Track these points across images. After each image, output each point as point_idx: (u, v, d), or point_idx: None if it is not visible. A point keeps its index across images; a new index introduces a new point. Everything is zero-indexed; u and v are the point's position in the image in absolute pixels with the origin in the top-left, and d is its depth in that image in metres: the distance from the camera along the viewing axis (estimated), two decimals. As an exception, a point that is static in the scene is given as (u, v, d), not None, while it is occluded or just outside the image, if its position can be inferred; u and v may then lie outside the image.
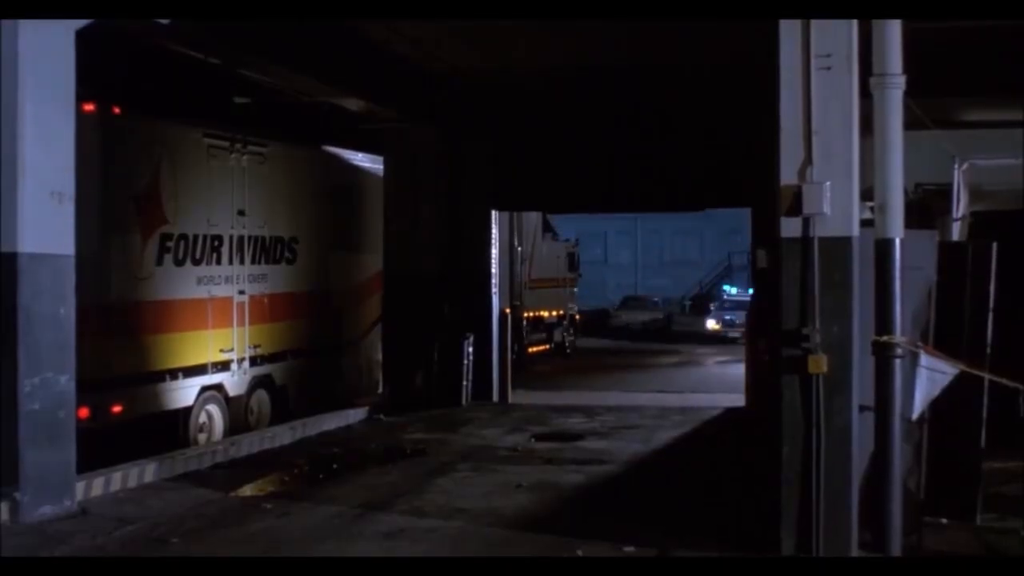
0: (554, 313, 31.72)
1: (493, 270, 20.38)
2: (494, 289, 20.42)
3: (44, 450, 10.26)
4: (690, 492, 11.72)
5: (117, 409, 13.23)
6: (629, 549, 9.16)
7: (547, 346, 31.09)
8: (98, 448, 11.92)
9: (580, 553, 9.03)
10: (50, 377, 10.37)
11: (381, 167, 19.70)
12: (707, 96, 17.03)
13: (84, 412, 11.90)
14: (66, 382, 10.53)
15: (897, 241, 8.80)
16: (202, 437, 14.80)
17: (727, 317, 40.81)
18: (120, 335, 13.47)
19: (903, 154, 8.88)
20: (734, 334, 36.61)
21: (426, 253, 19.65)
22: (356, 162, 19.57)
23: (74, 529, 9.94)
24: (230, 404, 15.46)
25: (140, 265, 13.83)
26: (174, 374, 14.32)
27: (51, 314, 10.40)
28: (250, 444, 14.35)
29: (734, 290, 48.77)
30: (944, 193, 13.96)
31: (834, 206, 8.69)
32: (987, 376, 9.03)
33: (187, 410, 14.57)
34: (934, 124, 12.23)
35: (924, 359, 8.91)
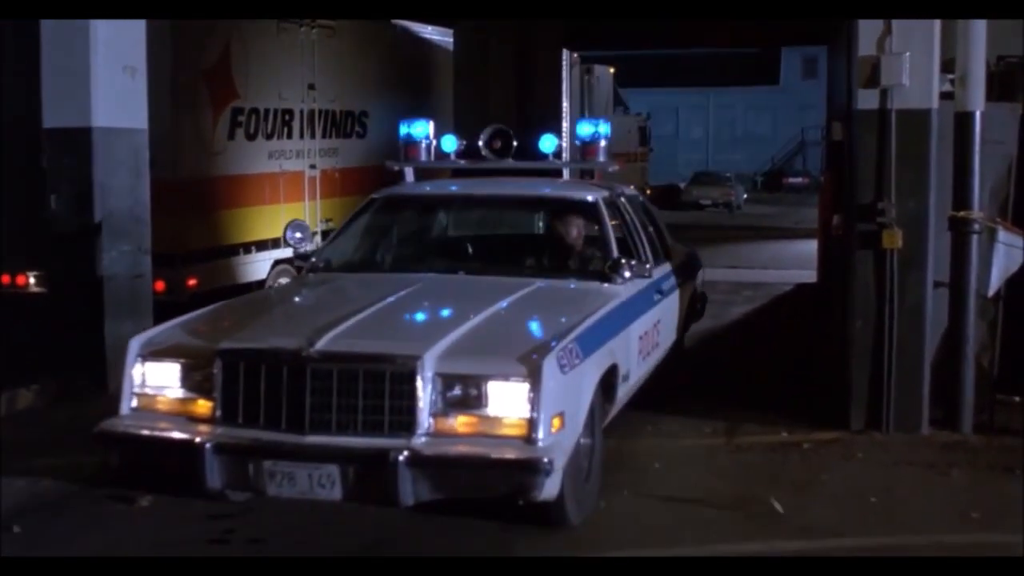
0: (624, 188, 31.47)
1: (563, 144, 20.23)
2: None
3: (123, 322, 10.45)
4: (760, 368, 11.70)
5: (192, 283, 13.42)
6: (696, 422, 9.24)
7: (615, 222, 30.85)
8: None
9: (650, 429, 9.09)
10: (127, 251, 10.52)
11: (451, 40, 19.54)
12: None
13: (160, 285, 12.09)
14: (142, 255, 10.70)
15: (977, 114, 8.59)
16: (276, 310, 14.97)
17: None
18: (193, 210, 13.59)
19: (985, 25, 8.62)
20: None
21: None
22: (426, 35, 19.40)
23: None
24: (302, 278, 15.60)
25: (212, 140, 13.90)
26: (247, 248, 14.46)
27: (127, 188, 10.50)
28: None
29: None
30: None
31: (913, 78, 8.47)
32: (1067, 252, 8.86)
33: (260, 283, 14.75)
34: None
35: (1002, 235, 8.76)
